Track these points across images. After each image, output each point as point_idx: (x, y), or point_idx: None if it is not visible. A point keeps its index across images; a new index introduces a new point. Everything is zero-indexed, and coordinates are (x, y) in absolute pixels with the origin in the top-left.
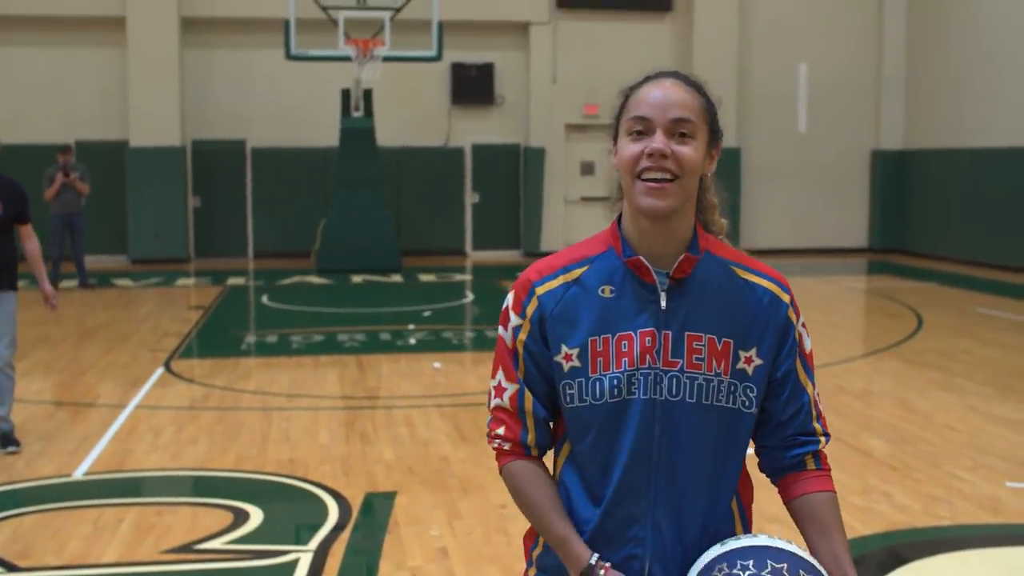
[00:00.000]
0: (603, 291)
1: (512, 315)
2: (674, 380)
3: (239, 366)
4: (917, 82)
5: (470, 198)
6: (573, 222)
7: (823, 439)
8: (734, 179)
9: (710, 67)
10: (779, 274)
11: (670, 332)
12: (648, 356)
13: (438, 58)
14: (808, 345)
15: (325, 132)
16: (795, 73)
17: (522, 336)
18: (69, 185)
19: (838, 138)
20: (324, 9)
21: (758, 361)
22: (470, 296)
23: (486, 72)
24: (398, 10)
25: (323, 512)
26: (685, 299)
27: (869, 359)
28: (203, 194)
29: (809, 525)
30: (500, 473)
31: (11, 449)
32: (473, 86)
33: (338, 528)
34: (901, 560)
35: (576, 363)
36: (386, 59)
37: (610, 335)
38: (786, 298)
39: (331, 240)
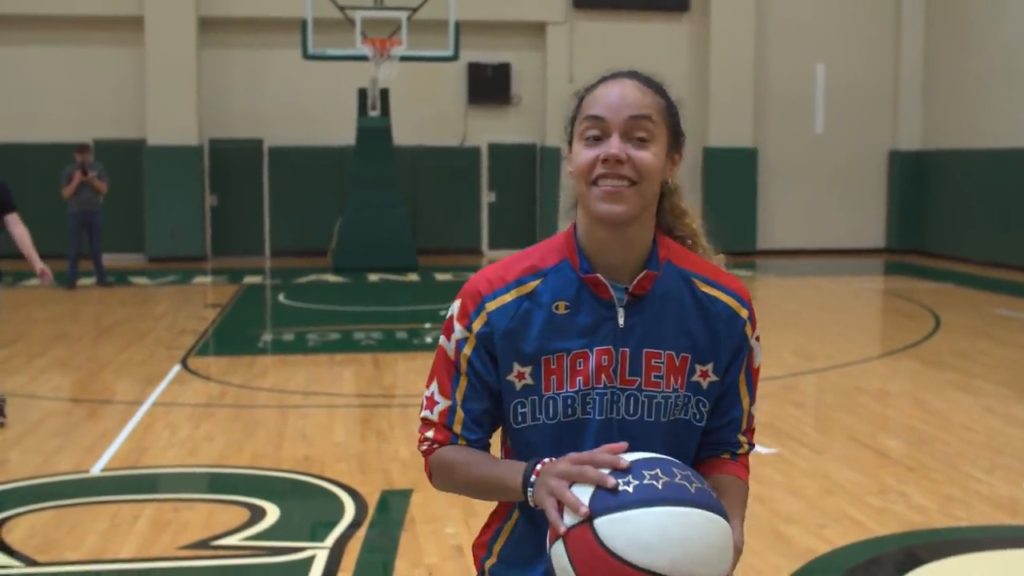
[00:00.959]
0: (557, 307)
1: (457, 326)
2: (631, 399)
3: (255, 364)
4: (935, 82)
5: (486, 197)
6: None
7: (745, 447)
8: (751, 179)
9: (727, 67)
10: (740, 286)
11: (628, 349)
12: (604, 375)
13: (455, 58)
14: (757, 360)
15: (342, 131)
16: (812, 73)
17: (466, 351)
18: (87, 183)
19: (855, 138)
20: (341, 9)
21: (713, 377)
22: None
23: (503, 72)
24: (415, 10)
25: (339, 509)
26: (644, 315)
27: (886, 359)
28: (220, 193)
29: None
30: (428, 473)
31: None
32: (490, 86)
33: (354, 525)
34: (918, 561)
35: (529, 380)
36: (403, 59)
37: (564, 353)
38: (744, 313)
39: (348, 239)
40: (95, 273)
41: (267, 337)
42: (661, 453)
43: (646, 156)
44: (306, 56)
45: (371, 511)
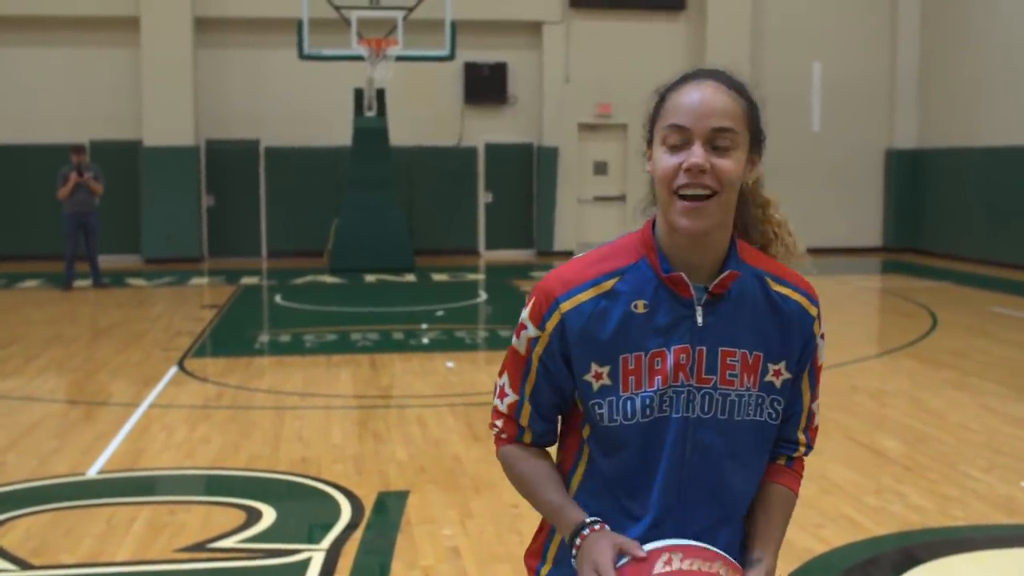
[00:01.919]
0: (635, 306)
1: (529, 325)
2: (707, 397)
3: (252, 365)
4: (931, 81)
5: (483, 197)
6: (586, 222)
7: (803, 448)
8: None
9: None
10: (809, 286)
11: (704, 348)
12: (681, 373)
13: (451, 57)
14: (822, 358)
15: (338, 131)
16: (809, 72)
17: (538, 349)
18: (83, 185)
19: (852, 137)
20: (337, 9)
21: (786, 375)
22: (483, 296)
23: (499, 71)
24: (411, 10)
25: (336, 511)
26: (721, 314)
27: (883, 358)
28: (217, 194)
29: (759, 507)
30: (497, 457)
31: None
32: (486, 85)
33: (351, 527)
34: (915, 560)
35: (607, 381)
36: (399, 59)
37: (643, 352)
38: (814, 311)
39: (344, 239)
40: (91, 274)
41: (264, 338)
42: (739, 453)
43: (728, 165)
44: (302, 56)
45: (368, 513)
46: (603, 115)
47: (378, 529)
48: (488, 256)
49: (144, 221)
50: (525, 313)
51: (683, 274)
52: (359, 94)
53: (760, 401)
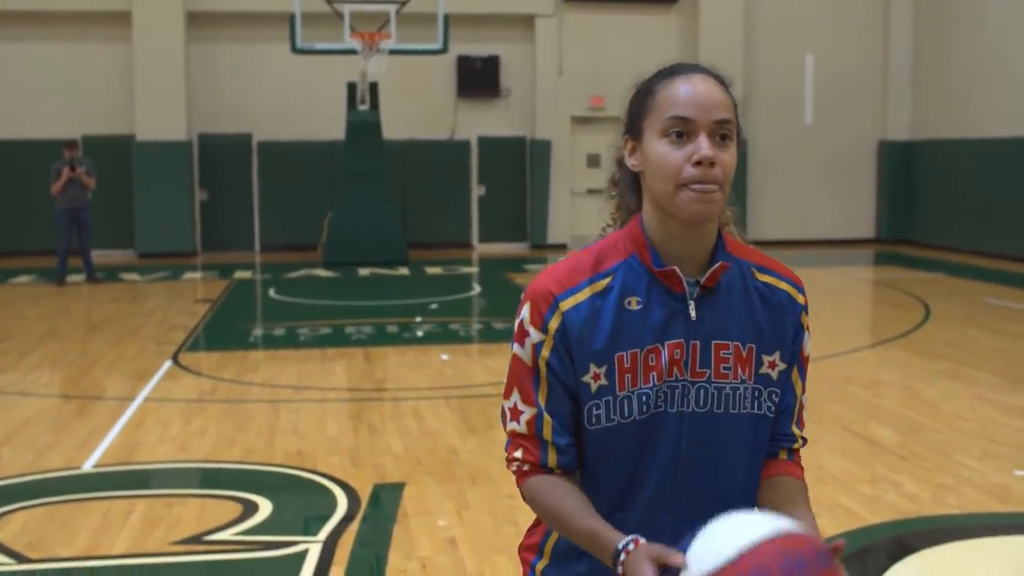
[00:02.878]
0: (629, 303)
1: (532, 330)
2: (701, 391)
3: (247, 359)
4: (924, 73)
5: (476, 191)
6: (579, 214)
7: (799, 441)
8: (740, 170)
9: (716, 59)
10: (794, 274)
11: (698, 342)
12: (676, 368)
13: (444, 51)
14: (807, 348)
15: (331, 125)
16: (802, 64)
17: (545, 353)
18: (75, 180)
19: (845, 129)
20: (329, 2)
21: (781, 365)
22: (477, 288)
23: (492, 65)
24: (404, 3)
25: (332, 503)
26: (713, 307)
27: (877, 349)
28: (210, 188)
29: (781, 498)
30: (521, 495)
31: None
32: (479, 79)
33: (347, 519)
34: (910, 549)
35: (604, 381)
36: (392, 52)
37: (638, 349)
38: (801, 300)
39: (338, 233)
40: (84, 269)
41: (258, 332)
42: (737, 447)
43: (729, 158)
44: (295, 50)
45: (364, 505)
46: (596, 108)
47: (374, 521)
48: (481, 249)
49: (137, 216)
50: (524, 319)
51: (676, 268)
52: (352, 88)
53: (757, 394)
